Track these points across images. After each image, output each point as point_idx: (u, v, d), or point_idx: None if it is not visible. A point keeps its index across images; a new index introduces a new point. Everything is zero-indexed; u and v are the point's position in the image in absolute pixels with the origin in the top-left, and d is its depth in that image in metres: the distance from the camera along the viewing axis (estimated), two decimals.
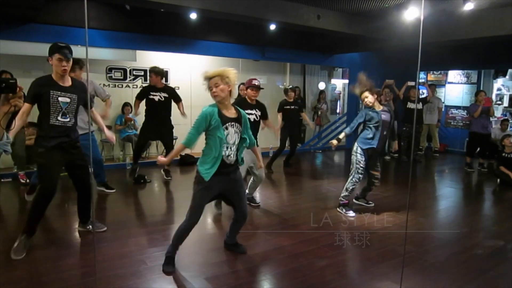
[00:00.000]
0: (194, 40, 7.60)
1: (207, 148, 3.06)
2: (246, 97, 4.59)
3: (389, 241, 4.01)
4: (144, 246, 3.74)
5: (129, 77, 7.74)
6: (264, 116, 4.71)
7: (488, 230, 4.62)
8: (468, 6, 5.70)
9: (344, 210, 4.73)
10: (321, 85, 10.63)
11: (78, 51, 6.63)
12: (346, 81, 10.92)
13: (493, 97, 9.81)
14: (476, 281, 3.20)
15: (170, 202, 5.61)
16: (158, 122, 5.98)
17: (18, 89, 1.69)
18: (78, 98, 3.49)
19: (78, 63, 4.53)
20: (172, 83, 8.17)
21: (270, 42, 8.25)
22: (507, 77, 10.03)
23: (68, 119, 3.46)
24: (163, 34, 7.11)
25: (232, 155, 3.07)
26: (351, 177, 4.71)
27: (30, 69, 6.61)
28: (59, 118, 3.41)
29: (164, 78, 6.30)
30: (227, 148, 3.02)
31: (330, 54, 9.69)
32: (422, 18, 2.18)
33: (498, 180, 6.73)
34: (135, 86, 7.78)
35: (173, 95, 6.10)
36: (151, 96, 5.86)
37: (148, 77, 6.04)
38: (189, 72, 8.39)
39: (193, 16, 6.45)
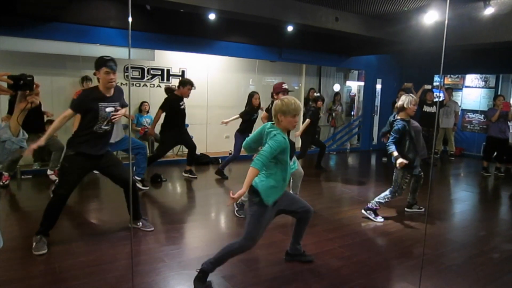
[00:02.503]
0: (212, 41, 7.67)
1: (272, 171, 2.91)
2: None
3: (406, 243, 4.01)
4: (163, 244, 3.81)
5: (147, 76, 7.85)
6: None
7: (504, 234, 4.57)
8: (489, 11, 5.67)
9: (373, 215, 4.66)
10: (336, 87, 10.62)
11: (98, 50, 6.85)
12: (362, 83, 10.89)
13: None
14: (493, 284, 3.19)
15: (186, 200, 5.68)
16: (182, 128, 6.21)
17: (35, 86, 1.74)
18: (120, 105, 3.69)
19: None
20: None
21: (287, 43, 8.28)
22: None
23: (110, 126, 3.66)
24: (181, 34, 7.20)
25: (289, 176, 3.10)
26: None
27: (51, 67, 6.77)
28: (103, 126, 3.59)
29: None
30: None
31: (347, 56, 9.68)
32: (446, 22, 2.19)
33: None
34: (152, 85, 7.89)
35: None
36: (181, 107, 5.99)
37: (178, 86, 5.96)
38: (206, 72, 8.48)
39: (212, 16, 6.52)
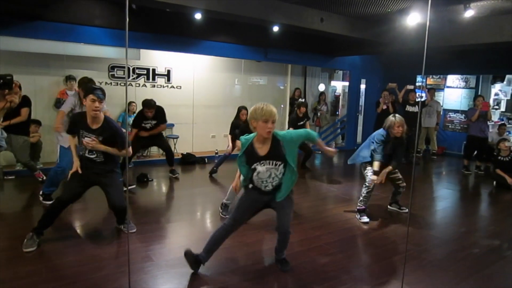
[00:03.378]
0: (198, 40, 7.67)
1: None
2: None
3: (390, 239, 4.11)
4: (150, 243, 3.81)
5: (132, 76, 7.80)
6: None
7: (484, 230, 4.74)
8: (469, 13, 5.82)
9: (359, 216, 4.71)
10: (321, 87, 10.73)
11: (83, 49, 6.78)
12: (346, 83, 11.02)
13: (491, 101, 9.94)
14: (473, 278, 3.30)
15: (172, 200, 5.68)
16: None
17: (14, 85, 1.74)
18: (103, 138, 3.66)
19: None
20: (174, 82, 8.26)
21: (273, 44, 8.34)
22: (504, 82, 10.18)
23: (95, 155, 3.68)
24: (167, 33, 7.18)
25: None
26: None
27: (34, 66, 6.67)
28: (86, 154, 3.69)
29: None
30: None
31: (332, 57, 9.79)
32: (428, 24, 2.27)
33: (495, 182, 6.85)
34: (137, 85, 7.85)
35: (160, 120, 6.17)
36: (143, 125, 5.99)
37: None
38: (192, 72, 8.47)
39: (198, 16, 6.53)
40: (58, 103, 6.69)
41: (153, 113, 5.95)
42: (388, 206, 5.19)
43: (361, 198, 4.70)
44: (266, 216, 4.49)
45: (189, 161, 7.80)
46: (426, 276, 3.29)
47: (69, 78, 6.72)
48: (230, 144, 6.49)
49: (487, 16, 6.36)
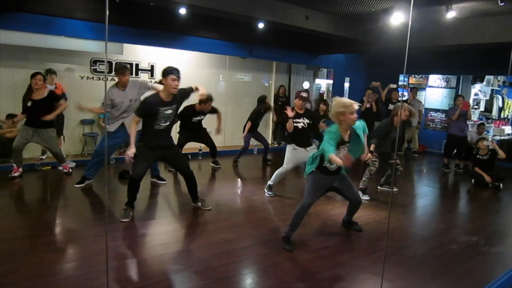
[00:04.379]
0: (182, 35, 7.61)
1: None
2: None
3: (371, 236, 4.16)
4: (133, 240, 3.79)
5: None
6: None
7: (462, 227, 4.85)
8: (451, 14, 5.92)
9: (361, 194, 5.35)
10: (306, 85, 10.77)
11: (64, 42, 6.64)
12: (331, 81, 11.10)
13: (471, 101, 10.15)
14: (451, 273, 3.38)
15: (157, 197, 5.61)
16: None
17: None
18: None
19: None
20: (158, 78, 8.10)
21: (258, 40, 8.32)
22: (484, 83, 10.41)
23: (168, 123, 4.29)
24: (151, 28, 7.09)
25: None
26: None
27: (12, 59, 6.51)
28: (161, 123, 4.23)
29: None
30: None
31: (316, 54, 9.84)
32: (410, 24, 2.30)
33: (473, 180, 7.00)
34: None
35: None
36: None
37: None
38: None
39: (182, 11, 6.45)
40: None
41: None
42: (379, 187, 6.00)
43: (364, 179, 5.55)
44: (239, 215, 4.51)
45: None
46: (406, 272, 3.35)
47: (49, 72, 6.56)
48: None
49: (469, 18, 6.49)
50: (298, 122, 5.11)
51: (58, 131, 6.87)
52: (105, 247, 3.10)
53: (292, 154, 5.23)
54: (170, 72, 4.07)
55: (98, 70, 7.47)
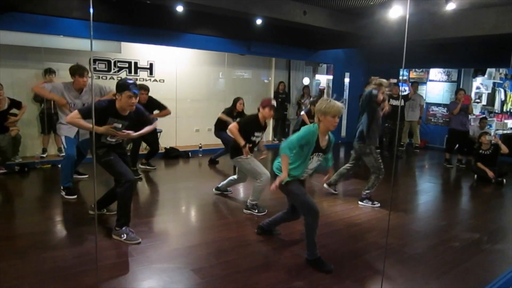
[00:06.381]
0: (180, 33, 7.57)
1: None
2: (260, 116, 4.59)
3: (372, 233, 4.13)
4: None
5: (114, 69, 7.65)
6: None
7: (465, 223, 4.80)
8: (450, 6, 5.85)
9: (370, 203, 5.06)
10: (305, 81, 10.72)
11: (61, 42, 6.62)
12: (330, 76, 11.03)
13: (472, 95, 10.07)
14: (453, 271, 3.33)
15: (155, 194, 5.60)
16: None
17: None
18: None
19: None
20: (157, 76, 8.14)
21: (256, 37, 8.27)
22: (485, 76, 10.31)
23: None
24: (149, 26, 7.06)
25: None
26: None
27: (11, 58, 6.48)
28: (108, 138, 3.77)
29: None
30: None
31: (315, 50, 9.77)
32: (407, 17, 2.25)
33: (475, 176, 6.95)
34: (119, 78, 7.69)
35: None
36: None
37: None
38: (174, 65, 8.36)
39: (180, 8, 6.42)
40: (37, 97, 6.54)
41: None
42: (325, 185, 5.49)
43: (369, 185, 5.00)
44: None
45: (172, 155, 7.71)
46: (406, 270, 3.31)
47: (48, 71, 6.55)
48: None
49: (468, 10, 6.40)
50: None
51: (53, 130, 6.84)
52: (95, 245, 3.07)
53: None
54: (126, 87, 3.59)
55: (97, 69, 7.43)
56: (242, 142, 4.42)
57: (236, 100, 6.76)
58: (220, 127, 6.70)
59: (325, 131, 3.24)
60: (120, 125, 3.72)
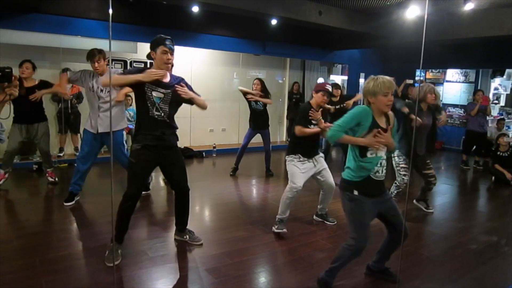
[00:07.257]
0: (195, 34, 7.61)
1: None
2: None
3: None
4: (145, 238, 3.80)
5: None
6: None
7: (482, 225, 4.71)
8: (469, 6, 5.76)
9: (425, 205, 5.02)
10: (320, 81, 10.67)
11: (79, 42, 6.72)
12: (345, 77, 10.96)
13: (490, 96, 9.89)
14: (470, 274, 3.28)
15: (169, 194, 5.64)
16: None
17: (13, 78, 1.71)
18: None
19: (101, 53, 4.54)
20: None
21: (271, 37, 8.27)
22: (504, 76, 10.12)
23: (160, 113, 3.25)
24: (164, 27, 7.11)
25: None
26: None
27: (30, 59, 6.59)
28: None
29: None
30: None
31: (330, 50, 9.73)
32: (426, 17, 2.22)
33: (493, 177, 6.83)
34: None
35: None
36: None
37: None
38: (189, 65, 8.41)
39: (195, 9, 6.47)
40: (55, 96, 6.65)
41: None
42: (415, 202, 5.13)
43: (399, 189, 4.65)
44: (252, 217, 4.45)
45: (187, 155, 7.76)
46: (422, 272, 3.28)
47: (66, 71, 6.65)
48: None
49: (487, 9, 6.29)
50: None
51: (74, 129, 6.99)
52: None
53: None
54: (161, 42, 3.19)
55: (113, 68, 7.50)
56: (313, 130, 3.97)
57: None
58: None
59: (380, 114, 2.74)
60: (162, 95, 3.19)
